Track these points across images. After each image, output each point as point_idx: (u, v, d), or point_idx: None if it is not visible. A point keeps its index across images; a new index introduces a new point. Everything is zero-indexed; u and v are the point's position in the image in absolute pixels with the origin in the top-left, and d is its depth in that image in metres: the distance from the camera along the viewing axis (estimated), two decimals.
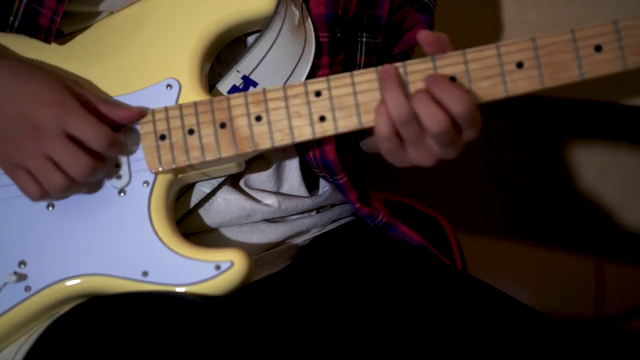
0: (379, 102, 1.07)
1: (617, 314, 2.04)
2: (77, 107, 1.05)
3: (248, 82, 1.16)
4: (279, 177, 1.26)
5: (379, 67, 1.08)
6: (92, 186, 1.11)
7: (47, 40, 1.11)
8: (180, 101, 1.12)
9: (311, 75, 1.20)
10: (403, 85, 1.06)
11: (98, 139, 1.05)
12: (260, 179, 1.24)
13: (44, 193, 1.07)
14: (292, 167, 1.27)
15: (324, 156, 1.22)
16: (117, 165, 1.11)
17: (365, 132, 1.35)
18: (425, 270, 1.23)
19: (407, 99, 1.05)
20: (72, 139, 1.05)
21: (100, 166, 1.07)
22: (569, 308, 2.06)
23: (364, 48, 1.28)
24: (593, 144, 2.02)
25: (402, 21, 1.36)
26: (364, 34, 1.28)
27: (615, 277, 2.07)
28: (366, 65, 1.28)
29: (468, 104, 1.04)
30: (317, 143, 1.21)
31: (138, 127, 1.12)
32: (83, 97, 1.08)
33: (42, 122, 1.04)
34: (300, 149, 1.25)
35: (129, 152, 1.12)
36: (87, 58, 1.15)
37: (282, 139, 1.10)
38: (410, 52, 1.40)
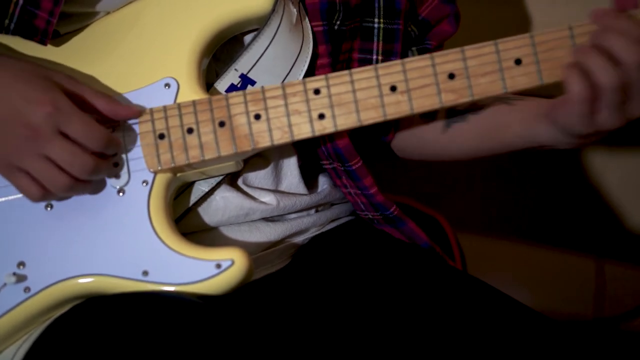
0: (568, 65, 1.07)
1: (617, 314, 2.04)
2: (71, 107, 1.03)
3: (246, 81, 1.16)
4: (277, 175, 1.26)
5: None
6: (93, 186, 1.11)
7: (43, 42, 1.10)
8: (179, 100, 1.12)
9: (311, 64, 1.20)
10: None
11: (93, 139, 1.04)
12: (259, 177, 1.24)
13: (45, 193, 1.05)
14: (291, 165, 1.27)
15: (334, 144, 1.22)
16: (116, 165, 1.11)
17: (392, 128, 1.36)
18: (425, 270, 1.23)
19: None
20: (69, 138, 1.04)
21: (102, 163, 1.06)
22: (569, 308, 2.05)
23: (381, 34, 1.28)
24: (593, 143, 2.02)
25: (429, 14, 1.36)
26: (380, 20, 1.28)
27: (615, 277, 2.07)
28: (386, 52, 1.29)
29: None
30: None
31: (136, 126, 1.11)
32: (77, 93, 1.06)
33: (36, 122, 1.01)
34: (302, 146, 1.25)
35: (127, 151, 1.12)
36: (84, 58, 1.15)
37: (281, 137, 1.10)
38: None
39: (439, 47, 1.39)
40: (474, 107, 1.29)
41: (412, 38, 1.36)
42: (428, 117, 1.35)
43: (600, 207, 2.03)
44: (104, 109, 1.08)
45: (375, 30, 1.27)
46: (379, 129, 1.36)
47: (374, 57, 1.28)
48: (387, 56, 1.28)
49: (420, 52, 1.37)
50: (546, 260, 2.08)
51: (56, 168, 1.04)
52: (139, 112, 1.11)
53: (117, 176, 1.11)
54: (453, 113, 1.32)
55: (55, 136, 1.02)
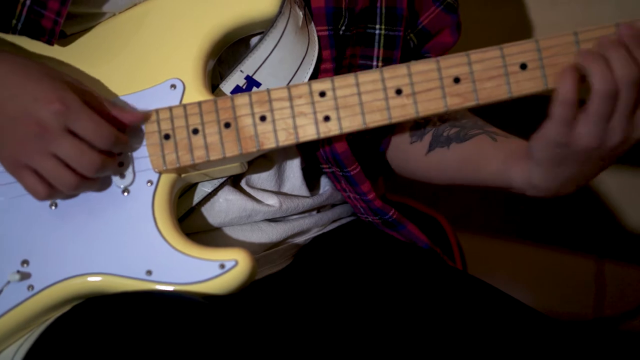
0: (568, 66, 1.05)
1: (617, 314, 2.04)
2: (80, 105, 1.04)
3: (251, 83, 1.17)
4: (280, 176, 1.26)
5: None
6: (99, 184, 1.11)
7: (49, 42, 1.11)
8: (184, 101, 1.12)
9: (315, 68, 1.21)
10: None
11: (101, 137, 1.04)
12: (262, 178, 1.24)
13: (51, 192, 1.06)
14: (294, 167, 1.27)
15: (333, 149, 1.22)
16: (121, 165, 1.11)
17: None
18: (425, 270, 1.23)
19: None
20: (77, 136, 1.04)
21: (108, 161, 1.07)
22: (569, 308, 2.06)
23: (382, 41, 1.27)
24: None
25: (430, 23, 1.34)
26: (382, 26, 1.27)
27: (615, 277, 2.07)
28: (386, 59, 1.27)
29: None
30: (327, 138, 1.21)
31: (142, 126, 1.12)
32: (87, 95, 1.07)
33: (46, 120, 1.02)
34: (304, 148, 1.26)
35: (133, 151, 1.12)
36: (90, 58, 1.15)
37: (286, 139, 1.11)
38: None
39: None
40: (460, 135, 1.27)
41: (410, 48, 1.34)
42: (416, 128, 1.33)
43: (600, 207, 2.03)
44: (111, 112, 1.08)
45: (377, 37, 1.27)
46: (376, 139, 1.35)
47: (374, 63, 1.27)
48: (387, 63, 1.26)
49: None
50: (546, 260, 2.08)
51: (64, 166, 1.04)
52: (143, 117, 1.11)
53: (122, 176, 1.11)
54: (438, 138, 1.30)
55: (63, 134, 1.03)
